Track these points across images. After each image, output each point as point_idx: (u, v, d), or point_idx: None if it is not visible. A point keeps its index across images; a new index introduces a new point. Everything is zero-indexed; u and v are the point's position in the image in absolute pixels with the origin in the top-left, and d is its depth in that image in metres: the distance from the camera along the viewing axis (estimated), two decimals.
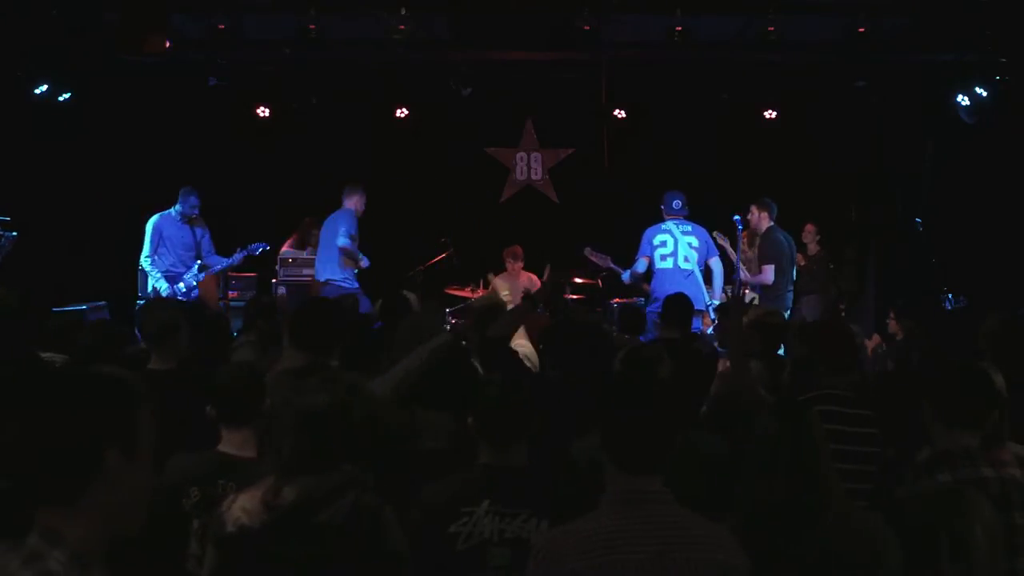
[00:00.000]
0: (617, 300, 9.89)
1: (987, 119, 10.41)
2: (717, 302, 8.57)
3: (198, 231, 9.44)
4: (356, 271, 9.46)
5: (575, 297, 9.87)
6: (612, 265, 9.32)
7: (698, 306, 8.13)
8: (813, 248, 10.35)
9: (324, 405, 2.97)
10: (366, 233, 10.21)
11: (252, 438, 3.54)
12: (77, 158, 10.58)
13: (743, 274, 9.24)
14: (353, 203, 9.58)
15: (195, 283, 9.31)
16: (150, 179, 10.23)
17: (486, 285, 10.30)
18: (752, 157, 11.40)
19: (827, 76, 10.94)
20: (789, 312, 9.10)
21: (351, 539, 2.76)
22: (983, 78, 10.32)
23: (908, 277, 10.66)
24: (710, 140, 11.39)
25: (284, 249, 10.27)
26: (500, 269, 10.45)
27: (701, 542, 2.49)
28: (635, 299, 9.58)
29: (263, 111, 11.29)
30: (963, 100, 10.52)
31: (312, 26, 9.87)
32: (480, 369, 4.55)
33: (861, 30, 9.89)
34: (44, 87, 10.06)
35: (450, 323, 8.82)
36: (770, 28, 9.84)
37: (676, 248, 8.66)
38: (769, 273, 8.96)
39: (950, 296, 10.02)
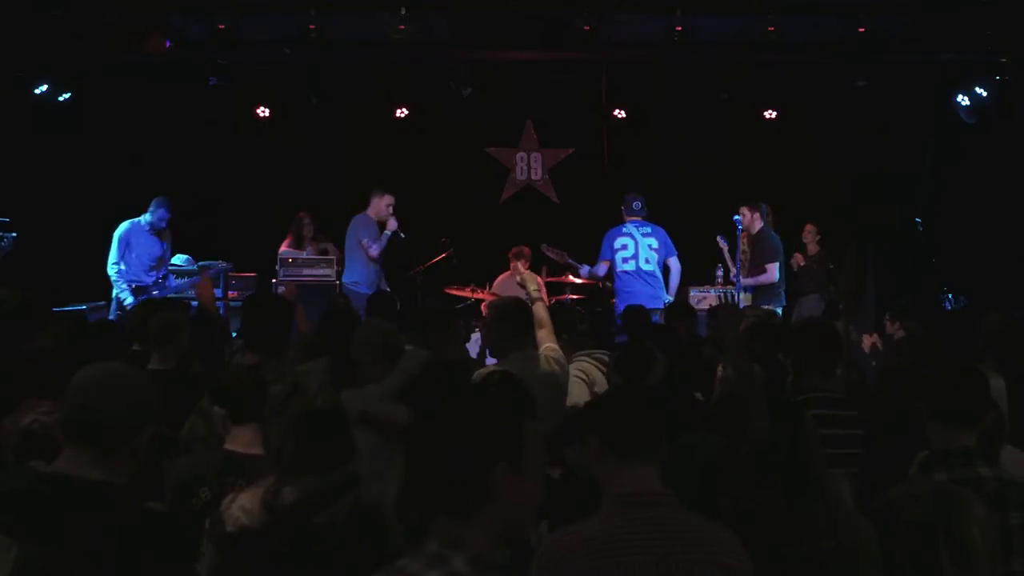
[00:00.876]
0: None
1: (987, 119, 10.42)
2: (671, 299, 8.85)
3: (166, 243, 9.38)
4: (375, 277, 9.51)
5: (574, 298, 9.86)
6: (570, 261, 9.58)
7: (659, 304, 8.54)
8: (813, 248, 10.35)
9: (324, 407, 2.98)
10: None
11: (258, 435, 3.57)
12: (77, 158, 10.58)
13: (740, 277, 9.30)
14: (373, 209, 9.66)
15: (160, 298, 9.06)
16: (150, 179, 10.22)
17: (489, 286, 10.31)
18: (752, 157, 11.40)
19: (827, 76, 10.93)
20: (782, 310, 9.16)
21: (351, 539, 2.76)
22: (983, 78, 10.33)
23: (908, 277, 10.65)
24: (710, 140, 11.38)
25: (283, 248, 10.26)
26: (501, 268, 10.45)
27: (705, 545, 2.50)
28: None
29: (263, 111, 11.29)
30: (963, 100, 10.53)
31: (312, 26, 9.86)
32: None
33: (861, 30, 9.88)
34: (44, 87, 10.07)
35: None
36: (770, 28, 9.84)
37: (637, 250, 8.90)
38: (774, 271, 9.07)
39: (950, 296, 10.03)
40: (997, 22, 9.69)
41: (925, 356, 4.57)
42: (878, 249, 11.15)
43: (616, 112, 11.37)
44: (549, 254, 9.67)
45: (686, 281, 10.53)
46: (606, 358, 5.12)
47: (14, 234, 8.39)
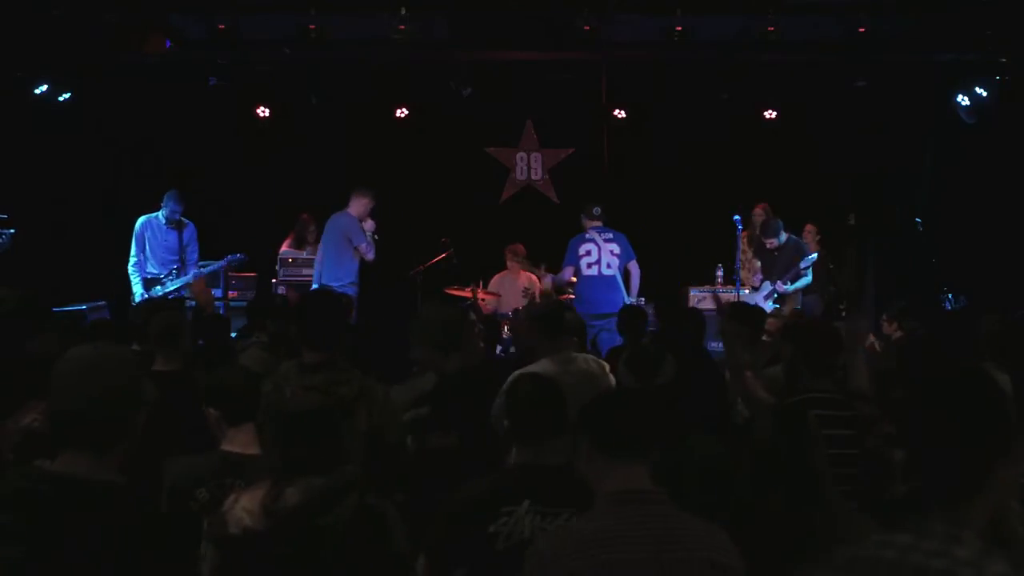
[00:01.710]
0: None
1: (987, 119, 10.41)
2: (634, 300, 9.07)
3: (185, 234, 9.39)
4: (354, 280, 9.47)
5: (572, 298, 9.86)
6: (539, 271, 9.99)
7: (616, 308, 8.48)
8: (813, 248, 10.35)
9: (318, 407, 2.97)
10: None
11: (255, 435, 3.56)
12: (77, 158, 10.58)
13: (780, 286, 9.36)
14: (355, 208, 9.59)
15: (172, 289, 9.19)
16: (150, 179, 10.22)
17: (485, 286, 10.32)
18: (752, 157, 11.40)
19: (827, 76, 10.93)
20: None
21: (355, 541, 2.76)
22: (983, 78, 10.33)
23: (908, 277, 10.66)
24: (710, 140, 11.38)
25: (283, 249, 10.26)
26: (500, 268, 10.47)
27: (696, 542, 2.50)
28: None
29: (263, 111, 11.29)
30: (963, 100, 10.52)
31: (312, 26, 9.86)
32: None
33: (861, 30, 9.89)
34: (44, 87, 10.07)
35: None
36: (770, 28, 9.85)
37: (600, 256, 9.06)
38: (809, 273, 9.28)
39: (950, 296, 10.02)
40: (997, 22, 9.69)
41: (926, 356, 4.56)
42: (878, 249, 11.15)
43: (616, 112, 11.37)
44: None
45: (686, 281, 10.57)
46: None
47: (12, 231, 8.39)
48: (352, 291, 9.11)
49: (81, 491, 2.28)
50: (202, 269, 9.50)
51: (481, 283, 10.28)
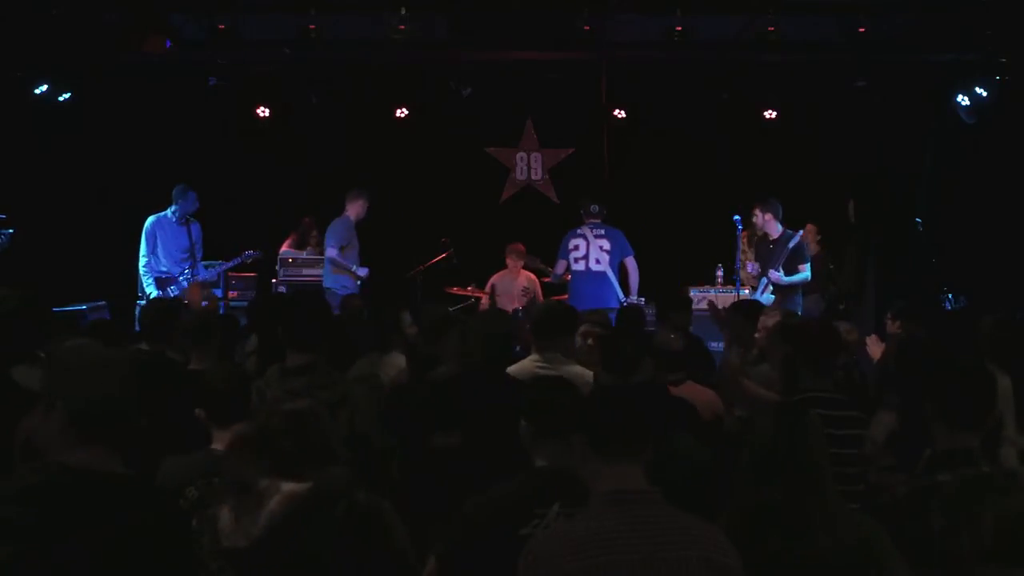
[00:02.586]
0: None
1: (987, 119, 10.41)
2: (635, 298, 9.00)
3: (194, 231, 9.41)
4: (357, 280, 9.54)
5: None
6: (540, 265, 9.92)
7: (611, 304, 8.68)
8: (813, 248, 10.34)
9: (307, 409, 2.97)
10: (366, 233, 10.23)
11: None
12: (77, 158, 10.59)
13: (774, 275, 9.31)
14: (352, 210, 9.65)
15: (186, 280, 9.25)
16: (150, 179, 10.22)
17: (481, 286, 10.34)
18: (752, 157, 11.39)
19: (827, 76, 10.93)
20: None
21: (349, 542, 2.75)
22: (983, 78, 10.33)
23: (908, 277, 10.66)
24: (710, 140, 11.38)
25: (283, 249, 10.27)
26: (500, 267, 10.48)
27: (691, 540, 2.50)
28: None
29: (263, 111, 11.28)
30: (963, 100, 10.52)
31: (312, 26, 9.87)
32: None
33: (861, 30, 9.88)
34: (44, 87, 10.07)
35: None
36: (770, 28, 9.84)
37: (588, 251, 9.02)
38: (807, 271, 9.07)
39: (950, 296, 10.02)
40: (997, 22, 9.69)
41: (927, 356, 4.56)
42: (878, 249, 11.16)
43: (616, 112, 11.36)
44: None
45: (686, 282, 10.56)
46: None
47: (12, 231, 8.40)
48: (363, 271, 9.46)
49: (101, 485, 2.31)
50: (215, 268, 9.49)
51: (474, 285, 10.31)
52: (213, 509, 3.11)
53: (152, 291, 9.19)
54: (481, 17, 10.19)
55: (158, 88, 10.77)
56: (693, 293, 10.52)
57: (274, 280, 10.11)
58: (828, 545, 2.69)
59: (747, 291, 9.78)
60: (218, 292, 9.94)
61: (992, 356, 4.68)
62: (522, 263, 10.37)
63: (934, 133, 11.18)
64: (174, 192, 9.34)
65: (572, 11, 9.88)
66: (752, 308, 6.02)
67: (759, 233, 9.82)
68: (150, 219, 9.34)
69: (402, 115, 11.40)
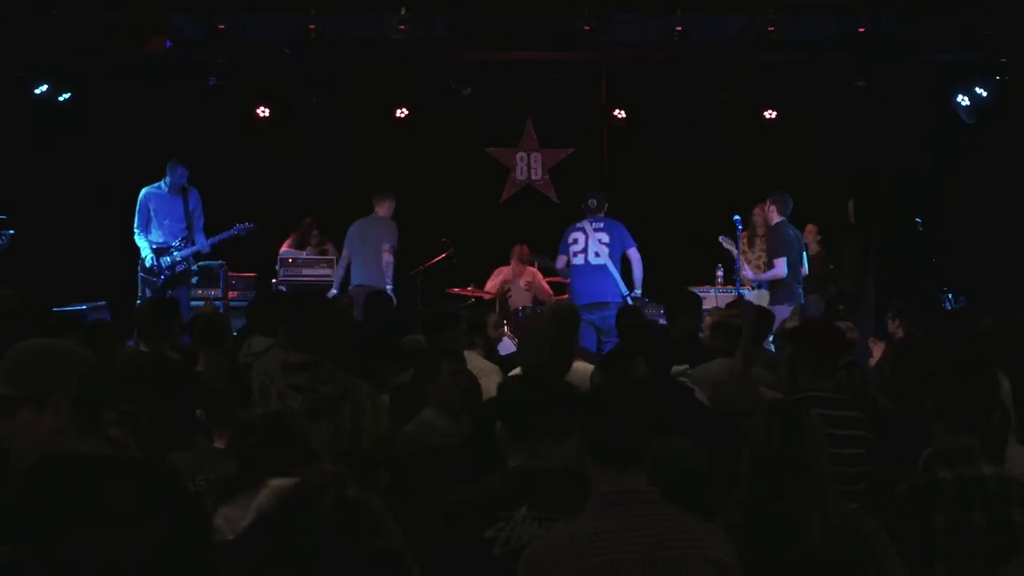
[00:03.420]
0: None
1: (987, 119, 10.41)
2: (639, 292, 8.86)
3: (191, 200, 9.26)
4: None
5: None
6: (548, 262, 9.80)
7: (611, 297, 8.56)
8: (814, 248, 10.36)
9: (288, 409, 2.99)
10: None
11: None
12: (77, 158, 10.59)
13: (748, 272, 9.29)
14: (384, 210, 9.75)
15: (181, 258, 9.15)
16: (150, 179, 10.20)
17: (481, 286, 10.36)
18: (752, 157, 11.40)
19: (827, 76, 10.93)
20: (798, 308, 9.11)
21: (337, 538, 2.75)
22: (983, 78, 10.33)
23: (908, 277, 10.66)
24: (710, 140, 11.38)
25: (283, 249, 10.27)
26: (504, 262, 10.51)
27: (691, 538, 2.49)
28: None
29: (263, 111, 11.28)
30: (963, 100, 10.52)
31: (312, 26, 9.87)
32: None
33: (861, 30, 9.89)
34: (44, 87, 10.07)
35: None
36: (770, 28, 9.85)
37: (586, 244, 8.82)
38: (781, 266, 8.97)
39: (950, 296, 10.02)
40: (997, 22, 9.69)
41: (925, 356, 4.56)
42: (878, 249, 11.16)
43: (616, 112, 11.37)
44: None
45: (686, 282, 10.56)
46: None
47: (12, 232, 8.40)
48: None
49: (115, 468, 2.32)
50: (215, 238, 9.40)
51: (474, 285, 10.32)
52: (210, 504, 3.12)
53: (148, 255, 9.08)
54: (481, 17, 10.20)
55: (158, 88, 10.77)
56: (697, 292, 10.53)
57: (274, 280, 10.11)
58: (826, 544, 2.68)
59: (748, 291, 9.79)
60: (218, 292, 9.95)
61: (991, 356, 4.67)
62: (525, 265, 10.40)
63: (934, 133, 11.18)
64: (168, 164, 9.26)
65: (572, 11, 9.89)
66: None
67: (760, 232, 9.83)
68: (144, 190, 9.25)
69: (402, 115, 11.40)
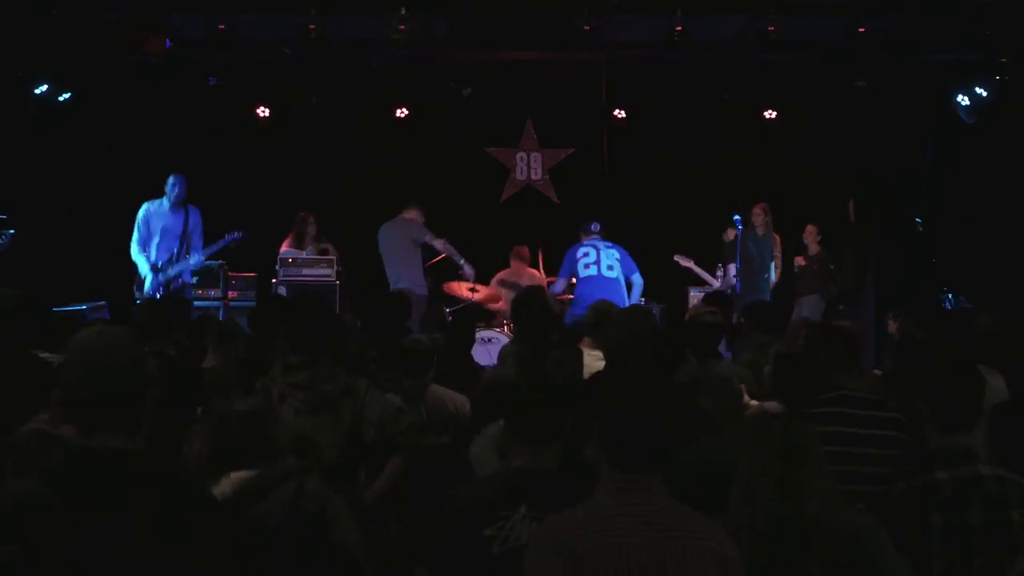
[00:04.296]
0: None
1: (987, 119, 10.41)
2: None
3: (191, 219, 9.19)
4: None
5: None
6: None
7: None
8: (814, 248, 10.37)
9: (243, 407, 3.00)
10: (366, 233, 10.23)
11: None
12: (77, 158, 10.59)
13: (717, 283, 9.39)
14: (414, 215, 9.97)
15: (174, 274, 9.05)
16: (150, 179, 10.20)
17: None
18: (752, 157, 11.40)
19: (827, 76, 10.93)
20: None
21: (290, 531, 2.76)
22: (983, 78, 10.33)
23: (908, 277, 10.66)
24: (710, 140, 11.38)
25: (283, 248, 10.26)
26: (501, 267, 10.51)
27: (696, 532, 2.51)
28: None
29: (263, 111, 11.29)
30: (963, 100, 10.52)
31: (312, 26, 9.87)
32: None
33: (861, 30, 9.89)
34: (44, 87, 10.07)
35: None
36: (770, 28, 9.85)
37: (599, 258, 8.74)
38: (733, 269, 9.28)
39: (950, 296, 10.02)
40: (997, 22, 9.69)
41: (922, 356, 4.56)
42: (878, 249, 11.16)
43: (616, 112, 11.36)
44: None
45: (686, 282, 10.58)
46: None
47: (12, 231, 8.39)
48: (424, 292, 9.65)
49: (125, 462, 2.36)
50: (207, 251, 9.34)
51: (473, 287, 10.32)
52: None
53: (147, 273, 9.03)
54: (481, 17, 10.19)
55: (158, 88, 10.77)
56: (693, 293, 10.55)
57: (274, 280, 10.10)
58: (824, 542, 2.69)
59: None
60: (218, 292, 9.94)
61: (989, 356, 4.67)
62: (525, 265, 10.41)
63: (934, 133, 11.18)
64: (169, 179, 9.22)
65: (572, 11, 9.88)
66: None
67: (760, 232, 9.83)
68: (144, 206, 9.18)
69: (402, 115, 11.40)
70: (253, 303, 10.21)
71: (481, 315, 9.61)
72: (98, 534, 2.26)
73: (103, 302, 9.00)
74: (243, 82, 11.11)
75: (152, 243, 9.13)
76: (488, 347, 8.85)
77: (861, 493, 3.60)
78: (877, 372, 5.86)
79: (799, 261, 10.31)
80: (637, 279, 8.87)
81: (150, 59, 10.11)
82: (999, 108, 10.26)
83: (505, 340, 8.92)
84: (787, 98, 11.27)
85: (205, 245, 9.36)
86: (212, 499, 2.55)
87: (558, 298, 9.30)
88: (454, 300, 10.17)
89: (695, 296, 10.58)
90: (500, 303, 10.13)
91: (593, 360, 4.83)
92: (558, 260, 9.86)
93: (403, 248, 9.83)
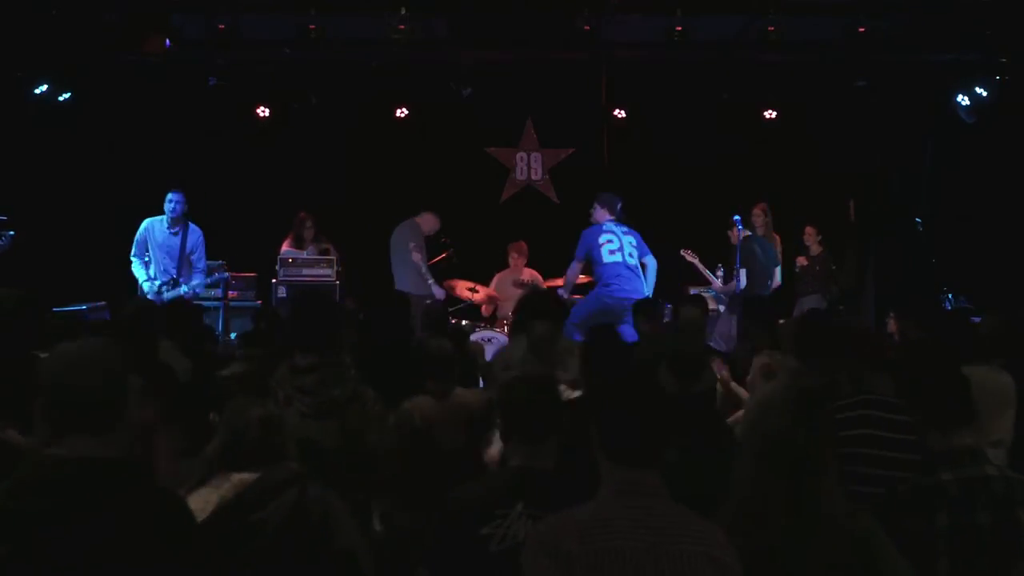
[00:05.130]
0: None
1: (987, 119, 10.41)
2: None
3: (189, 240, 8.91)
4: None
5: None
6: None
7: (641, 296, 8.50)
8: (815, 249, 10.36)
9: (252, 409, 3.00)
10: (366, 233, 10.23)
11: None
12: (77, 158, 10.58)
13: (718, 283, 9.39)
14: (426, 222, 10.09)
15: (169, 295, 8.72)
16: (150, 179, 10.21)
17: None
18: (752, 157, 11.40)
19: (827, 76, 10.93)
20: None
21: (292, 536, 2.76)
22: (983, 78, 10.33)
23: (908, 277, 10.66)
24: (710, 140, 11.38)
25: (284, 248, 10.26)
26: (500, 267, 10.50)
27: (694, 536, 2.51)
28: None
29: (263, 111, 11.29)
30: (963, 100, 10.52)
31: (312, 26, 9.87)
32: None
33: (861, 30, 9.89)
34: (44, 87, 10.06)
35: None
36: (770, 28, 9.85)
37: (621, 245, 8.77)
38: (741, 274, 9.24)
39: (950, 296, 10.02)
40: (997, 22, 9.69)
41: (922, 358, 4.55)
42: (878, 249, 11.15)
43: (616, 112, 11.36)
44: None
45: (687, 282, 10.57)
46: None
47: (12, 232, 8.38)
48: (439, 292, 9.77)
49: (96, 470, 2.39)
50: (199, 285, 9.18)
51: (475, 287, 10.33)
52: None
53: (147, 287, 8.84)
54: (481, 17, 10.19)
55: (158, 88, 10.77)
56: (693, 293, 10.54)
57: (274, 280, 10.10)
58: (827, 543, 2.69)
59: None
60: (218, 292, 9.93)
61: (994, 356, 4.67)
62: (524, 261, 10.40)
63: (934, 133, 11.18)
64: (168, 195, 9.06)
65: (572, 11, 9.88)
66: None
67: (760, 232, 9.83)
68: (144, 223, 8.95)
69: (402, 115, 11.40)
70: (253, 303, 10.24)
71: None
72: (67, 544, 2.28)
73: (103, 302, 8.99)
74: (243, 82, 11.11)
75: (148, 259, 8.89)
76: (488, 347, 8.85)
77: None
78: None
79: (801, 261, 10.30)
80: (651, 260, 8.93)
81: (150, 59, 10.10)
82: (999, 108, 10.27)
83: (505, 340, 8.93)
84: (787, 98, 11.27)
85: (219, 259, 9.46)
86: (186, 508, 2.56)
87: (557, 284, 9.37)
88: (454, 300, 10.18)
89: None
90: (500, 302, 10.15)
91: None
92: (550, 258, 9.89)
93: (401, 250, 9.95)
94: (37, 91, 10.03)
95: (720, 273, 10.32)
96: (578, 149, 12.17)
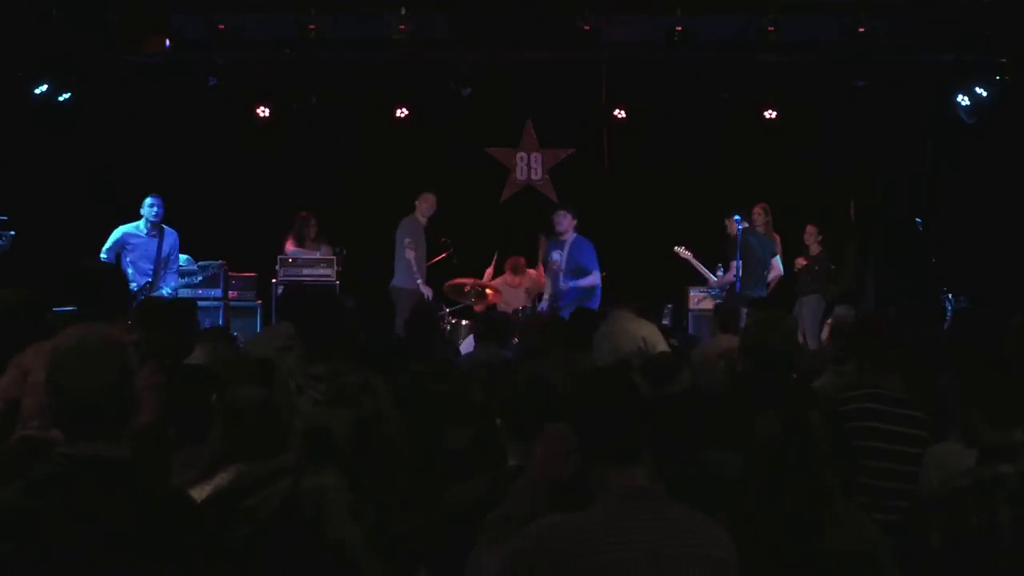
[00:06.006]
0: None
1: (987, 119, 10.41)
2: None
3: (166, 243, 8.86)
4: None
5: None
6: None
7: None
8: (815, 249, 10.36)
9: (256, 397, 2.99)
10: (366, 234, 10.23)
11: None
12: (76, 158, 10.58)
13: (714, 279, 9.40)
14: (419, 209, 10.12)
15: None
16: (150, 179, 10.20)
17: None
18: (752, 157, 11.39)
19: (827, 76, 10.93)
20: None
21: (285, 525, 2.76)
22: (983, 78, 10.33)
23: (908, 277, 10.66)
24: (710, 140, 11.38)
25: (289, 248, 10.27)
26: (501, 267, 10.52)
27: (695, 537, 2.51)
28: None
29: (263, 111, 11.28)
30: (963, 100, 10.52)
31: (312, 26, 9.87)
32: None
33: (861, 30, 9.89)
34: (44, 87, 10.06)
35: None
36: (770, 28, 9.85)
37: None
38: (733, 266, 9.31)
39: (950, 296, 10.02)
40: (997, 22, 9.69)
41: (966, 355, 4.54)
42: (878, 249, 11.15)
43: (616, 112, 11.36)
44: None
45: (686, 282, 10.57)
46: None
47: (12, 232, 8.38)
48: (426, 290, 9.85)
49: (109, 469, 2.40)
50: (185, 277, 9.14)
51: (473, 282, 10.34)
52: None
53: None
54: (481, 17, 10.20)
55: (158, 88, 10.77)
56: (693, 293, 10.56)
57: (274, 280, 10.11)
58: (833, 551, 2.69)
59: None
60: (218, 292, 9.93)
61: (1020, 354, 4.65)
62: (520, 278, 10.46)
63: (934, 133, 11.17)
64: (145, 200, 8.94)
65: (572, 11, 9.88)
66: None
67: (761, 231, 9.83)
68: (118, 230, 8.90)
69: (402, 115, 11.40)
70: (253, 303, 10.25)
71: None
72: (78, 543, 2.29)
73: None
74: (243, 82, 11.11)
75: (124, 264, 8.76)
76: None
77: (895, 491, 3.66)
78: None
79: (800, 261, 10.31)
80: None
81: (150, 59, 10.11)
82: (999, 108, 10.26)
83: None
84: (787, 98, 11.27)
85: (219, 259, 9.55)
86: (195, 507, 2.57)
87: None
88: (453, 301, 10.16)
89: (695, 296, 10.59)
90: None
91: None
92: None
93: (398, 246, 10.06)
94: (37, 91, 10.03)
95: (720, 273, 10.33)
96: (578, 149, 12.17)
